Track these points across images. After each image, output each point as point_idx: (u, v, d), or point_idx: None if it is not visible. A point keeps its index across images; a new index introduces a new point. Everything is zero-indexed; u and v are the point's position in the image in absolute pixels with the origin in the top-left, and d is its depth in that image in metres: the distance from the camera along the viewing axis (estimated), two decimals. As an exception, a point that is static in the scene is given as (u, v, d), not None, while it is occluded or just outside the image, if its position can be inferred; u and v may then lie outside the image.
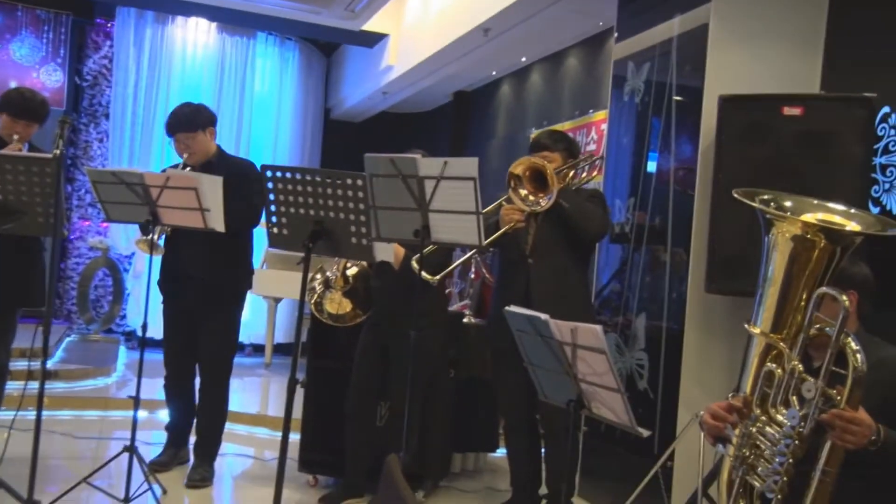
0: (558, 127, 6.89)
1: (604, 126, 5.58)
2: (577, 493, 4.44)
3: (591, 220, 3.86)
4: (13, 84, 8.12)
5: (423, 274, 3.52)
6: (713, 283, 3.74)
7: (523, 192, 3.77)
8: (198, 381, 4.52)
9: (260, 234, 7.37)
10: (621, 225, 4.50)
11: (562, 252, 3.92)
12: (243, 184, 4.06)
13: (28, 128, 4.20)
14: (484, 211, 3.34)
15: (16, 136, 4.13)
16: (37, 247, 4.32)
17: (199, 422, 4.49)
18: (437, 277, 3.64)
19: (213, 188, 3.70)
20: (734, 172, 3.56)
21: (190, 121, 4.30)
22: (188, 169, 4.15)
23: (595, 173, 4.45)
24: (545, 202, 3.71)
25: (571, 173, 4.05)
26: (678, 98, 4.20)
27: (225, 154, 4.47)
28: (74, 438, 5.11)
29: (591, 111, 6.49)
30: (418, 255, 3.51)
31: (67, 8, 8.65)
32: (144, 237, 3.83)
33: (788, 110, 3.59)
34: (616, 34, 4.79)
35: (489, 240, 3.82)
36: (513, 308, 2.78)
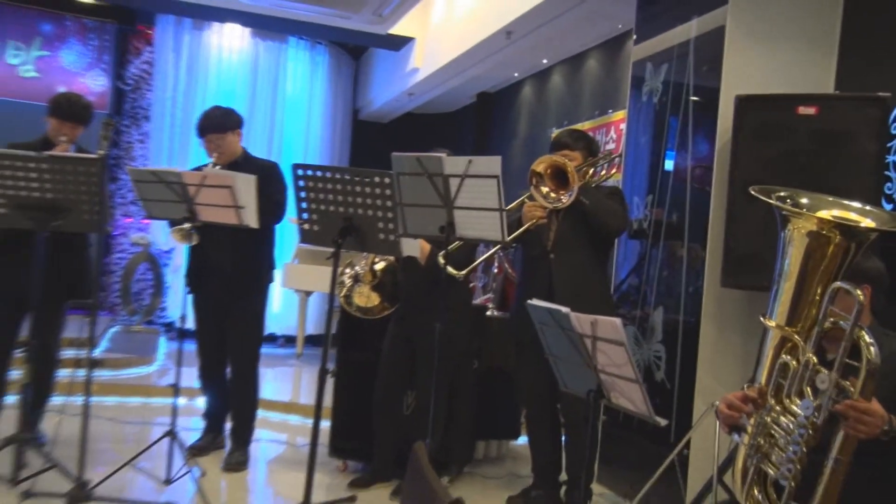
0: (578, 126, 6.87)
1: (622, 125, 5.55)
2: (596, 479, 4.43)
3: (610, 216, 3.85)
4: (61, 89, 8.25)
5: (449, 268, 3.53)
6: (729, 278, 3.72)
7: (545, 189, 3.75)
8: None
9: (291, 230, 7.43)
10: (639, 221, 4.48)
11: (582, 248, 3.90)
12: (267, 183, 4.08)
13: (74, 130, 4.26)
14: (507, 208, 3.34)
15: (63, 138, 4.20)
16: (82, 243, 4.38)
17: (232, 408, 4.53)
18: (463, 273, 3.64)
19: (247, 186, 3.75)
20: (750, 170, 3.53)
21: (220, 123, 4.35)
22: (217, 168, 4.19)
23: (614, 171, 4.42)
24: (566, 199, 3.69)
25: (591, 171, 4.03)
26: (695, 98, 4.17)
27: (249, 155, 4.52)
28: (119, 423, 5.18)
29: (610, 111, 6.46)
30: (444, 250, 3.52)
31: (111, 16, 8.76)
32: (179, 227, 3.87)
33: (803, 110, 3.55)
34: (635, 36, 4.76)
35: (512, 236, 3.82)
36: (535, 301, 2.78)
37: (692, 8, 4.22)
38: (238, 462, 4.37)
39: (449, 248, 3.40)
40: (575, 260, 3.90)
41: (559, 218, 3.88)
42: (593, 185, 4.04)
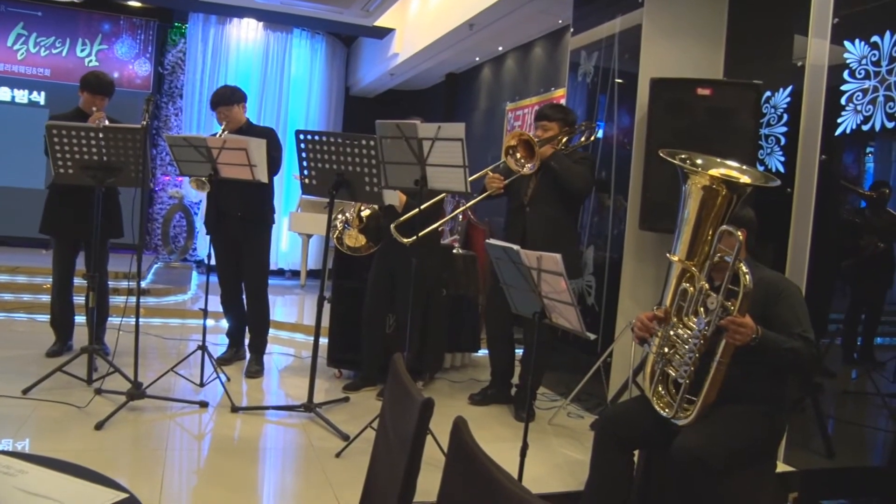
0: (526, 102, 6.82)
1: (563, 101, 5.50)
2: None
3: (576, 179, 3.71)
4: (117, 74, 8.30)
5: (396, 235, 3.58)
6: (644, 223, 3.75)
7: (518, 155, 3.68)
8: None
9: (295, 185, 7.29)
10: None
11: (553, 203, 3.79)
12: (266, 144, 3.97)
13: (102, 101, 4.18)
14: (472, 178, 3.31)
15: (94, 109, 4.10)
16: (116, 195, 4.30)
17: (249, 326, 4.51)
18: (410, 240, 3.57)
19: (258, 148, 3.69)
20: (661, 137, 3.54)
21: (228, 97, 4.26)
22: (226, 133, 4.10)
23: (593, 137, 4.27)
24: (528, 169, 3.64)
25: (564, 139, 3.85)
26: (619, 80, 4.15)
27: (251, 123, 4.42)
28: (163, 339, 5.16)
29: (552, 89, 6.40)
30: (396, 222, 3.50)
31: (154, 16, 8.74)
32: (196, 177, 3.80)
33: (701, 91, 3.57)
34: (572, 30, 4.71)
35: (474, 201, 3.82)
36: (491, 241, 2.74)
37: (617, 9, 4.18)
38: (255, 370, 4.38)
39: (421, 207, 3.35)
40: (546, 212, 3.79)
41: (536, 178, 3.77)
42: (570, 149, 3.88)
